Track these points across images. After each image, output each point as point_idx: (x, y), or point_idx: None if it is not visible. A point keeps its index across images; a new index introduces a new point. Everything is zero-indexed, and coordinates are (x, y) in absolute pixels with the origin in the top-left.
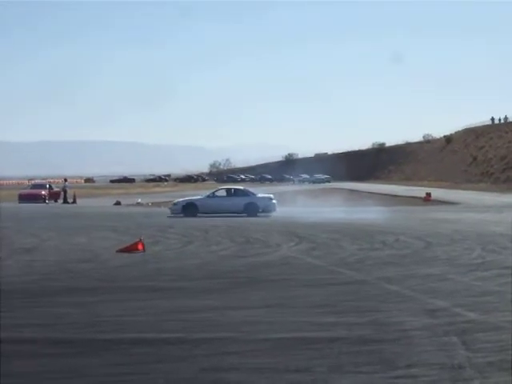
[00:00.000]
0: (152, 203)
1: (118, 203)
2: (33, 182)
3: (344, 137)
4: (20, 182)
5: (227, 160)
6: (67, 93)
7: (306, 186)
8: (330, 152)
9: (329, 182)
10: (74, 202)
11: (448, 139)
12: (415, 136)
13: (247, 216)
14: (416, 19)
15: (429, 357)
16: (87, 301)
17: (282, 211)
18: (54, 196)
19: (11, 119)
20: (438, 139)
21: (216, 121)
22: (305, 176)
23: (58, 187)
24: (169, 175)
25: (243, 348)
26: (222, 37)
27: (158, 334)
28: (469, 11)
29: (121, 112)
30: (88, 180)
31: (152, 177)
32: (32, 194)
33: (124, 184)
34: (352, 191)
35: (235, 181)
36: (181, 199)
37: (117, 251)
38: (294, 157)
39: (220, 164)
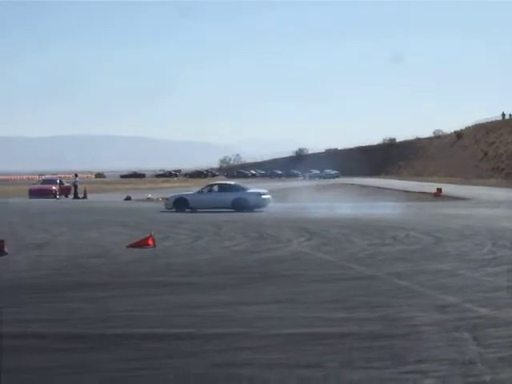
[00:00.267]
0: (162, 198)
1: (128, 198)
2: (43, 177)
3: (355, 132)
4: (30, 177)
5: (237, 155)
6: (75, 89)
7: (316, 182)
8: (340, 147)
9: (337, 177)
10: (85, 197)
11: (458, 135)
12: (426, 132)
13: (236, 211)
14: (418, 18)
15: (439, 352)
16: (98, 296)
17: (291, 207)
18: (64, 191)
19: (23, 115)
20: (449, 135)
21: (225, 117)
22: (315, 171)
23: (68, 182)
24: (179, 170)
25: (254, 343)
26: (224, 35)
27: (168, 329)
28: (472, 10)
29: (129, 108)
30: (98, 175)
31: (162, 172)
32: (42, 190)
33: (134, 179)
34: (362, 186)
35: (245, 176)
36: (173, 194)
37: (127, 246)
38: (305, 152)
39: (230, 159)
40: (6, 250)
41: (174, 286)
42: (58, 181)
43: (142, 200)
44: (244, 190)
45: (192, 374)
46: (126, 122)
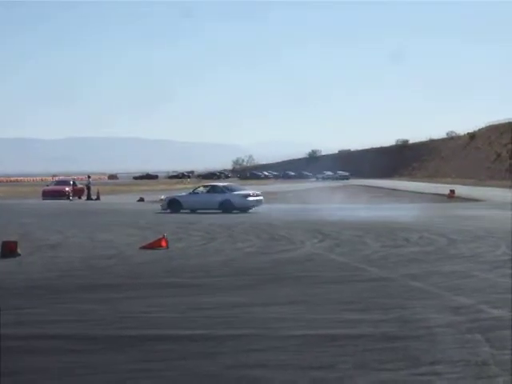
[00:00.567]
0: None
1: (141, 200)
2: (56, 178)
3: (368, 134)
4: (44, 178)
5: (250, 157)
6: (89, 91)
7: (328, 183)
8: (353, 149)
9: (348, 179)
10: (98, 198)
11: (472, 136)
12: (439, 133)
13: (222, 212)
14: (430, 19)
15: (453, 354)
16: (111, 297)
17: (295, 208)
18: (77, 193)
19: (36, 116)
20: (462, 136)
21: (239, 118)
22: (328, 173)
23: (81, 184)
24: (192, 172)
25: (268, 345)
26: (236, 36)
27: (182, 330)
28: (485, 10)
29: (142, 110)
30: (111, 177)
31: (175, 173)
32: (56, 191)
33: (147, 181)
34: (374, 188)
35: (258, 177)
36: (168, 195)
37: (140, 248)
38: (318, 154)
39: (243, 161)
40: (19, 251)
41: (188, 288)
42: (72, 182)
43: (155, 201)
44: (231, 191)
45: (206, 375)
46: (139, 123)
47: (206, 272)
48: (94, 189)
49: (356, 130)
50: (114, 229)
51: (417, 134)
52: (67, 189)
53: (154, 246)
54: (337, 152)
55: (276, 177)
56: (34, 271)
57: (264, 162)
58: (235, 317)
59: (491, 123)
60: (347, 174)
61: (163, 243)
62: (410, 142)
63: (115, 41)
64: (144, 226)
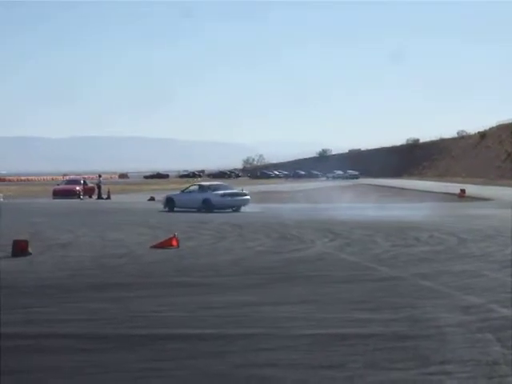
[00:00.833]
0: None
1: (152, 199)
2: (67, 177)
3: (378, 133)
4: (54, 177)
5: (260, 156)
6: (97, 89)
7: (339, 182)
8: (363, 148)
9: (357, 178)
10: (108, 197)
11: (482, 135)
12: (449, 132)
13: (205, 211)
14: (425, 19)
15: (463, 353)
16: (122, 296)
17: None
18: (88, 192)
19: (44, 115)
20: (472, 135)
21: (249, 118)
22: (338, 172)
23: (92, 183)
24: (202, 171)
25: (278, 344)
26: (238, 36)
27: (192, 329)
28: (494, 9)
29: (151, 108)
30: (122, 176)
31: (185, 173)
32: (66, 190)
33: (158, 180)
34: (384, 187)
35: (269, 177)
36: (166, 194)
37: (151, 247)
38: (328, 153)
39: (253, 160)
40: (30, 250)
41: (198, 287)
42: (82, 181)
43: None
44: (213, 190)
45: (216, 374)
46: (148, 122)
47: (216, 271)
48: (104, 188)
49: (366, 130)
50: (125, 228)
51: (427, 133)
52: (78, 188)
53: (165, 245)
54: (347, 151)
55: (286, 176)
56: (44, 270)
57: (274, 162)
58: (245, 316)
59: (502, 122)
60: (357, 173)
61: (174, 242)
62: (421, 141)
63: (116, 40)
64: (155, 225)
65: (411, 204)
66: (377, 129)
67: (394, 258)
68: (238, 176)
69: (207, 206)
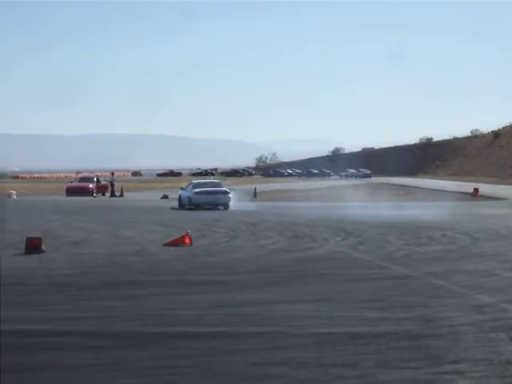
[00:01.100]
0: None
1: (165, 197)
2: (80, 175)
3: (392, 131)
4: (68, 175)
5: (274, 154)
6: (110, 87)
7: (351, 181)
8: (377, 146)
9: (370, 177)
10: (122, 195)
11: (496, 134)
12: (463, 131)
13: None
14: (455, 18)
15: (476, 352)
16: (134, 294)
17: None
18: (101, 189)
19: (57, 112)
20: (486, 134)
21: (263, 116)
22: (351, 170)
23: (105, 181)
24: (215, 169)
25: (290, 342)
26: (244, 34)
27: (205, 327)
28: (487, 11)
29: (164, 106)
30: (135, 173)
31: (198, 171)
32: (79, 188)
33: (171, 178)
34: (397, 186)
35: (282, 175)
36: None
37: (164, 245)
38: (341, 151)
39: (267, 158)
40: (43, 247)
41: (211, 285)
42: (95, 179)
43: None
44: (194, 188)
45: (228, 372)
46: (161, 120)
47: (229, 269)
48: (117, 185)
49: (379, 128)
50: (138, 226)
51: (441, 132)
52: (91, 186)
53: (178, 242)
54: (360, 150)
55: (299, 174)
56: (57, 267)
57: (287, 160)
58: (258, 314)
59: None
60: (369, 172)
61: (187, 240)
62: (434, 140)
63: (124, 39)
64: (167, 222)
65: (424, 203)
66: (390, 127)
67: (407, 257)
68: (250, 174)
69: (190, 204)
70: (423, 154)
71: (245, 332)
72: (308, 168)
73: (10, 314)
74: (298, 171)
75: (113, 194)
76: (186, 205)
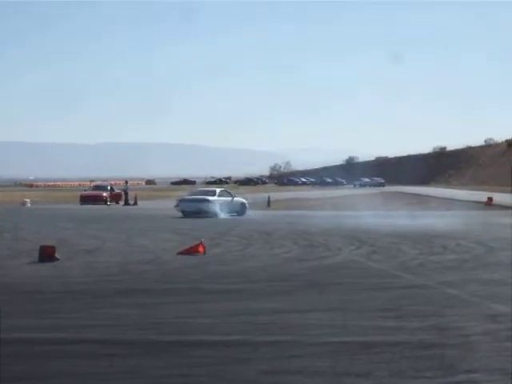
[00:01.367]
0: None
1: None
2: (94, 183)
3: (405, 141)
4: (82, 183)
5: (287, 163)
6: (123, 96)
7: (365, 190)
8: (390, 155)
9: (383, 186)
10: (135, 203)
11: (510, 143)
12: (476, 140)
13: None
14: (467, 29)
15: (490, 362)
16: (148, 302)
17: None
18: (115, 198)
19: (74, 121)
20: (500, 143)
21: (276, 125)
22: (365, 179)
23: (119, 189)
24: (229, 177)
25: (304, 351)
26: (253, 41)
27: (219, 336)
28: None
29: (177, 115)
30: (149, 182)
31: (212, 179)
32: (93, 196)
33: (184, 186)
34: (411, 195)
35: (295, 184)
36: None
37: (177, 253)
38: (355, 160)
39: (280, 167)
40: (57, 255)
41: (225, 293)
42: (109, 187)
43: None
44: (187, 196)
45: (242, 381)
46: (174, 128)
47: (243, 278)
48: (131, 194)
49: (393, 137)
50: (151, 234)
51: (454, 141)
52: (105, 194)
53: (191, 251)
54: (374, 159)
55: (313, 183)
56: (71, 276)
57: (301, 169)
58: (271, 323)
59: None
60: (383, 180)
61: (200, 249)
62: (448, 149)
63: (135, 45)
64: (181, 231)
65: (438, 212)
66: (404, 136)
67: (421, 266)
68: (264, 183)
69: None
70: (437, 163)
71: (259, 341)
72: (322, 177)
73: (23, 322)
74: (312, 180)
75: (127, 203)
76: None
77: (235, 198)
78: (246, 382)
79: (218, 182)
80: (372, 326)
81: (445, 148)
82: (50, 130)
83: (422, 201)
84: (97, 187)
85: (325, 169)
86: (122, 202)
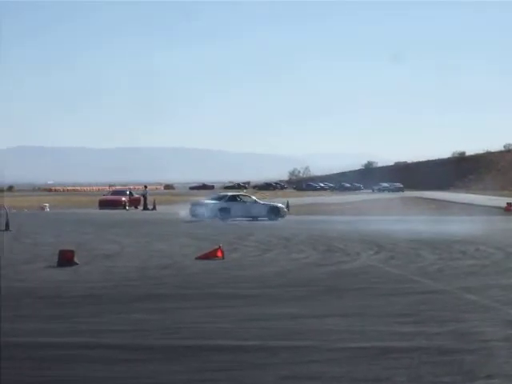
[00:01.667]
0: None
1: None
2: (113, 188)
3: (424, 145)
4: (101, 188)
5: (306, 168)
6: (140, 101)
7: (384, 195)
8: (409, 160)
9: (402, 191)
10: (154, 208)
11: None
12: (496, 145)
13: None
14: (480, 33)
15: (510, 368)
16: (167, 307)
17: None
18: (134, 202)
19: (90, 126)
20: None
21: (296, 130)
22: (384, 184)
23: (138, 194)
24: (248, 182)
25: (323, 356)
26: (265, 45)
27: (237, 341)
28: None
29: (194, 119)
30: (167, 187)
31: (231, 184)
32: (112, 200)
33: (203, 191)
34: (430, 200)
35: (314, 189)
36: None
37: (196, 258)
38: (374, 165)
39: (299, 172)
40: (76, 260)
41: (243, 298)
42: (128, 192)
43: None
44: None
45: None
46: (193, 133)
47: (261, 283)
48: (150, 199)
49: (412, 142)
50: (170, 239)
51: (474, 146)
52: (124, 198)
53: (210, 256)
54: (393, 164)
55: (332, 188)
56: (90, 280)
57: (320, 174)
58: (290, 328)
59: None
60: (401, 185)
61: (219, 253)
62: (467, 154)
63: (134, 48)
64: (200, 236)
65: (457, 217)
66: (423, 141)
67: (439, 272)
68: (283, 188)
69: None
70: (456, 168)
71: (277, 346)
72: (340, 182)
73: (41, 327)
74: (331, 185)
75: (145, 207)
76: None
77: (262, 202)
78: None
79: (237, 186)
80: (390, 332)
81: (464, 153)
82: (67, 134)
83: (441, 206)
84: (116, 192)
85: (343, 174)
86: (140, 207)
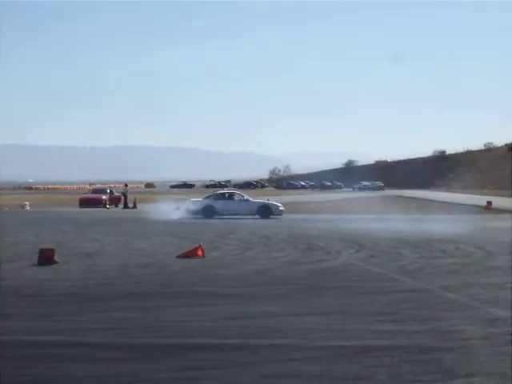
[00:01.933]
0: None
1: (178, 208)
2: (93, 186)
3: (404, 144)
4: (81, 186)
5: (287, 166)
6: (109, 99)
7: (365, 193)
8: (389, 159)
9: (383, 189)
10: (135, 206)
11: (510, 147)
12: (476, 144)
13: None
14: (474, 34)
15: (489, 366)
16: (147, 306)
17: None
18: (114, 201)
19: (85, 125)
20: (500, 147)
21: (276, 129)
22: (365, 183)
23: (118, 192)
24: (228, 181)
25: (303, 355)
26: (253, 47)
27: (219, 339)
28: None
29: (176, 118)
30: (148, 185)
31: (212, 182)
32: (93, 199)
33: (184, 189)
34: (410, 199)
35: (295, 187)
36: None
37: (177, 256)
38: (354, 164)
39: (280, 170)
40: (56, 258)
41: (224, 297)
42: (108, 190)
43: None
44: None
45: None
46: (174, 132)
47: (241, 281)
48: (130, 197)
49: (393, 141)
50: (151, 237)
51: (454, 145)
52: (104, 197)
53: (191, 254)
54: (373, 162)
55: (312, 187)
56: (70, 279)
57: (300, 172)
58: (270, 326)
59: None
60: (382, 184)
61: (199, 252)
62: (447, 153)
63: (134, 48)
64: (180, 234)
65: (437, 216)
66: (403, 140)
67: (420, 270)
68: (263, 186)
69: None
70: (436, 167)
71: (257, 344)
72: (321, 180)
73: (21, 325)
74: (311, 183)
75: (126, 206)
76: None
77: (251, 200)
78: None
79: (218, 185)
80: (370, 330)
81: (444, 152)
82: (56, 132)
83: (422, 204)
84: (96, 190)
85: (324, 172)
86: (121, 205)
